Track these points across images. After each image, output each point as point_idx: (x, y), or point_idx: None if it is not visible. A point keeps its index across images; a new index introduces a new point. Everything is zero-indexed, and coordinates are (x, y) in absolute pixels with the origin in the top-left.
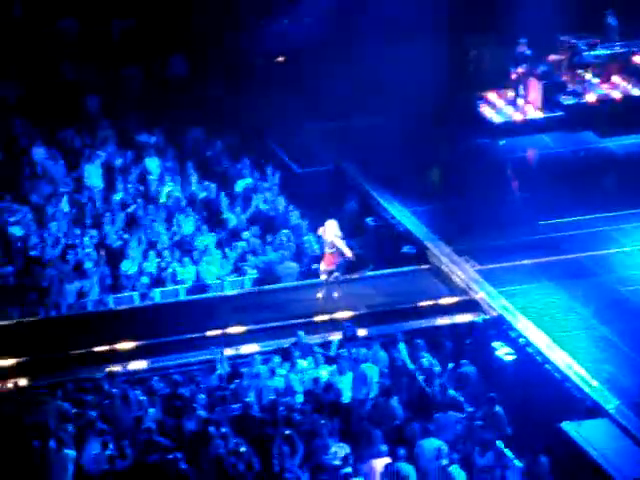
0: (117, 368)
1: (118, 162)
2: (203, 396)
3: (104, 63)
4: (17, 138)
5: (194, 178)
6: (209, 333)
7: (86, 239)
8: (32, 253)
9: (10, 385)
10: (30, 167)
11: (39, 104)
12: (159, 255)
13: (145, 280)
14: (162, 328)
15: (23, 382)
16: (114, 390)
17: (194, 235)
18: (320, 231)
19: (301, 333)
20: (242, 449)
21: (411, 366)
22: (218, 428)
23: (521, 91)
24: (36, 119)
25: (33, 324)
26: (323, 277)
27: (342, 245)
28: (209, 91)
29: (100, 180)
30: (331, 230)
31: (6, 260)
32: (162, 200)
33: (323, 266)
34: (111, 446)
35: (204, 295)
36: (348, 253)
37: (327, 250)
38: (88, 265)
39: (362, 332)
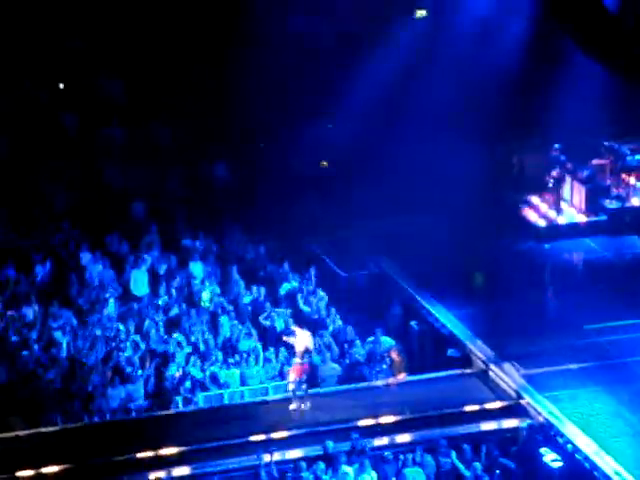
0: (161, 474)
1: (163, 267)
2: None
3: (149, 168)
4: (66, 243)
5: (239, 282)
6: (253, 438)
7: (130, 344)
8: (76, 358)
9: None
10: (77, 272)
11: (86, 210)
12: (203, 359)
13: (188, 384)
14: (206, 433)
15: None
16: None
17: (238, 339)
18: (294, 340)
19: (329, 443)
20: None
21: (466, 472)
22: None
23: (565, 195)
24: (84, 225)
25: (77, 430)
26: (291, 387)
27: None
28: (251, 196)
29: (146, 285)
30: (304, 341)
31: (50, 365)
32: (205, 304)
33: (292, 377)
34: None
35: (248, 400)
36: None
37: (297, 360)
38: (132, 370)
39: (406, 437)
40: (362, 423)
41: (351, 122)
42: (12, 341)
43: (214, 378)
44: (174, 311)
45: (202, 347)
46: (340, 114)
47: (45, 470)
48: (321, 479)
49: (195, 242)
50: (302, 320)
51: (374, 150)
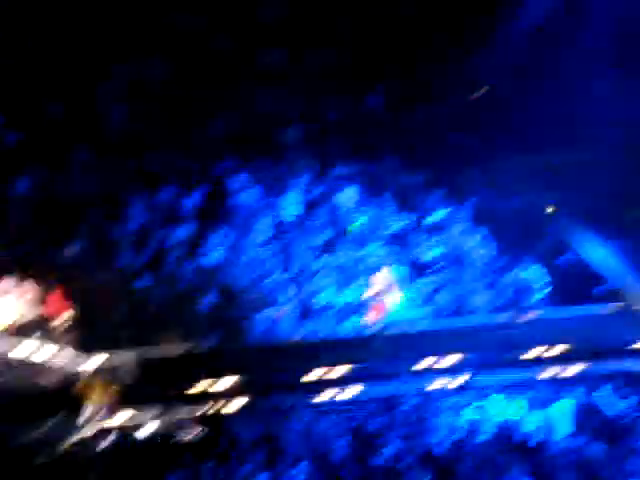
0: (310, 396)
1: (315, 192)
2: (393, 430)
3: (304, 93)
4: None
5: (390, 209)
6: (403, 365)
7: (279, 269)
8: (227, 282)
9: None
10: (231, 196)
11: (242, 135)
12: (353, 286)
13: (337, 309)
14: (357, 358)
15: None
16: (306, 417)
17: (388, 267)
18: (375, 279)
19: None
20: None
21: (612, 409)
22: (405, 462)
23: None
24: (239, 149)
25: (230, 351)
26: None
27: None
28: (406, 123)
29: (297, 210)
30: (385, 280)
31: (203, 289)
32: (356, 230)
33: (372, 316)
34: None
35: (398, 328)
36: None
37: (376, 299)
38: (282, 294)
39: (556, 370)
40: (512, 355)
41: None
42: (167, 262)
43: (362, 305)
44: (324, 236)
45: (350, 273)
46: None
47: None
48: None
49: (348, 168)
50: (454, 249)
51: (535, 84)
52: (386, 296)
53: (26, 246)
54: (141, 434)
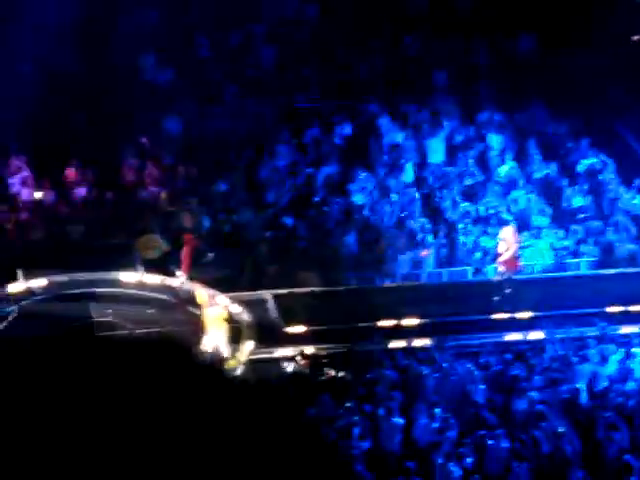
0: (448, 341)
1: (460, 138)
2: (537, 377)
3: (453, 38)
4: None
5: (536, 157)
6: (545, 313)
7: (423, 212)
8: (371, 221)
9: (344, 349)
10: (377, 137)
11: (389, 78)
12: (494, 232)
13: (479, 255)
14: (498, 304)
15: (356, 346)
16: (445, 363)
17: (532, 214)
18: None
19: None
20: (561, 430)
21: None
22: (546, 409)
23: None
24: (386, 92)
25: (367, 291)
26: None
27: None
28: (555, 71)
29: (442, 154)
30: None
31: (344, 228)
32: (501, 177)
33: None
34: (438, 418)
35: (541, 275)
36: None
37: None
38: (425, 237)
39: None
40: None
41: None
42: (312, 202)
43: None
44: (469, 181)
45: (495, 220)
46: None
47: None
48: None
49: (495, 114)
50: (600, 200)
51: None
52: (514, 251)
53: (176, 183)
54: (286, 369)
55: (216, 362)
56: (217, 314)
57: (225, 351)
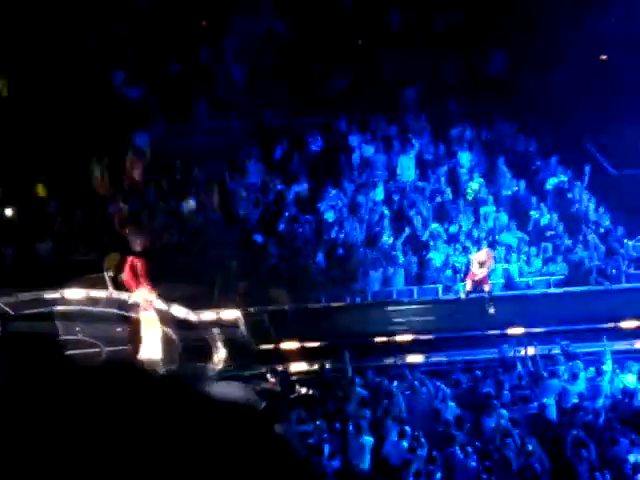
0: (418, 359)
1: (430, 155)
2: (507, 393)
3: (424, 54)
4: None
5: (505, 174)
6: (512, 331)
7: (394, 229)
8: (341, 238)
9: (315, 366)
10: (347, 153)
11: (358, 92)
12: (464, 249)
13: (449, 273)
14: (464, 322)
15: (326, 364)
16: (415, 381)
17: (501, 231)
18: (480, 254)
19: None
20: (530, 447)
21: None
22: (515, 427)
23: None
24: (355, 107)
25: (339, 309)
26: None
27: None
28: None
29: (412, 171)
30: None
31: (315, 245)
32: (470, 195)
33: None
34: (408, 436)
35: (510, 292)
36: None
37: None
38: (395, 254)
39: None
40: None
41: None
42: (283, 218)
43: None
44: (439, 199)
45: (463, 238)
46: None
47: (286, 346)
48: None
49: (464, 131)
50: (568, 217)
51: None
52: (486, 269)
53: (143, 200)
54: (257, 387)
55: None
56: (151, 317)
57: (158, 355)
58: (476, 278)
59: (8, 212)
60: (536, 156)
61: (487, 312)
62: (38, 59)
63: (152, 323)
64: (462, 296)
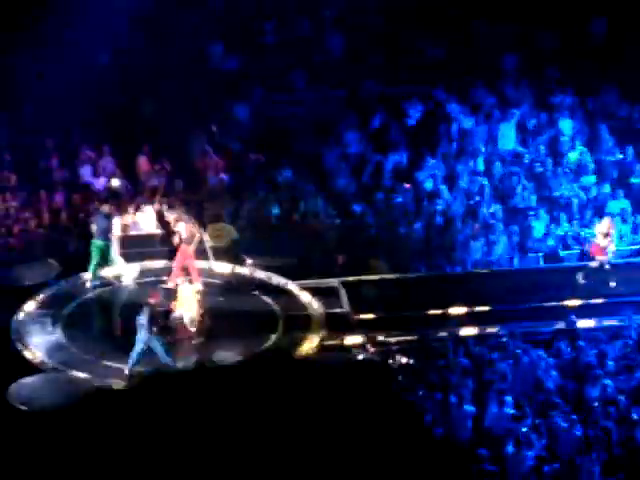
0: (520, 328)
1: (531, 122)
2: (611, 363)
3: (523, 21)
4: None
5: (608, 141)
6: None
7: (494, 199)
8: (440, 209)
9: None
10: (446, 122)
11: (456, 61)
12: (568, 219)
13: (551, 242)
14: (569, 291)
15: (427, 334)
16: (517, 350)
17: (605, 199)
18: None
19: None
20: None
21: None
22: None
23: None
24: (454, 76)
25: (438, 278)
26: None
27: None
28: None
29: (513, 140)
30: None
31: (416, 215)
32: (572, 163)
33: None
34: (510, 405)
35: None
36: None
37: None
38: (495, 223)
39: None
40: None
41: None
42: (381, 189)
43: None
44: (540, 167)
45: (565, 207)
46: None
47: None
48: None
49: (566, 98)
50: None
51: None
52: (606, 239)
53: (242, 170)
54: (356, 357)
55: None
56: (191, 291)
57: (190, 326)
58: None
59: (115, 182)
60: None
61: (608, 284)
62: (137, 33)
63: (189, 298)
64: (594, 265)
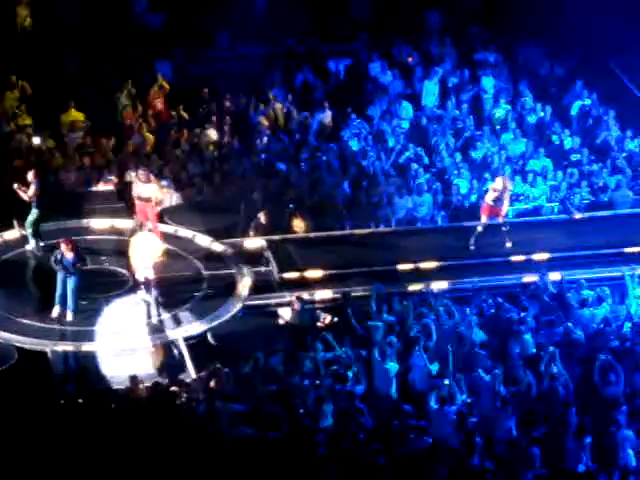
0: (442, 284)
1: (454, 80)
2: (530, 319)
3: None
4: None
5: (528, 99)
6: (536, 256)
7: (417, 155)
8: (367, 167)
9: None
10: (369, 82)
11: (381, 19)
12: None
13: (474, 199)
14: (492, 247)
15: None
16: (440, 307)
17: (525, 157)
18: (498, 182)
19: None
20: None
21: None
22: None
23: None
24: (377, 34)
25: (363, 236)
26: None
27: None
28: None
29: (435, 98)
30: (506, 184)
31: (341, 172)
32: (495, 120)
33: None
34: (434, 362)
35: (534, 218)
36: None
37: (489, 202)
38: (421, 181)
39: None
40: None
41: None
42: (304, 145)
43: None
44: (462, 124)
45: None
46: None
47: (311, 274)
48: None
49: (488, 55)
50: (592, 141)
51: None
52: (504, 198)
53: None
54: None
55: None
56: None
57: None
58: (490, 206)
59: (36, 140)
60: (561, 80)
61: (504, 245)
62: None
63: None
64: (479, 229)
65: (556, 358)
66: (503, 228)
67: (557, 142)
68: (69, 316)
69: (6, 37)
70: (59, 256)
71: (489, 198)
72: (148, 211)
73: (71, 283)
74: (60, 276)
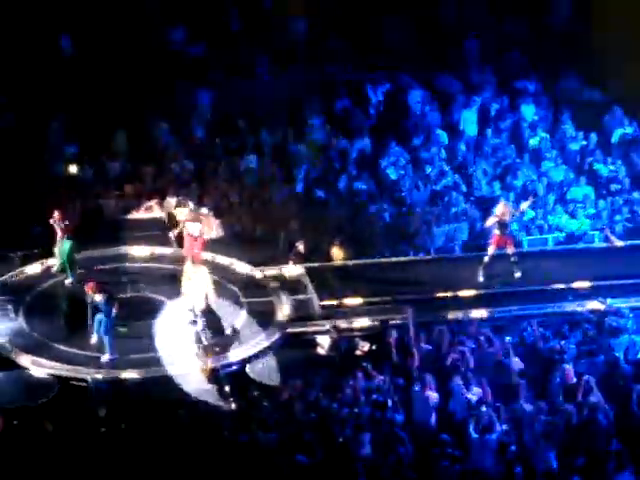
0: (482, 314)
1: (494, 108)
2: (573, 346)
3: (484, 6)
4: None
5: (569, 128)
6: (577, 285)
7: (455, 183)
8: (404, 195)
9: (377, 322)
10: (408, 111)
11: (419, 46)
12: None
13: (515, 227)
14: (528, 277)
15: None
16: (479, 336)
17: (568, 185)
18: (498, 210)
19: None
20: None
21: None
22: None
23: None
24: (414, 62)
25: (401, 264)
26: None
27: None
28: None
29: (475, 126)
30: (506, 210)
31: (379, 201)
32: (533, 148)
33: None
34: (474, 391)
35: (575, 246)
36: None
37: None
38: (458, 209)
39: None
40: None
41: None
42: (344, 173)
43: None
44: (501, 153)
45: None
46: None
47: (350, 302)
48: None
49: (529, 84)
50: (634, 169)
51: None
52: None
53: (204, 159)
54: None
55: None
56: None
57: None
58: (499, 235)
59: (73, 169)
60: (602, 107)
61: (513, 276)
62: (100, 18)
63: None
64: (485, 260)
65: (595, 388)
66: (512, 259)
67: (598, 170)
68: (104, 357)
69: (50, 66)
70: (89, 300)
71: (490, 223)
72: (195, 245)
73: (105, 322)
74: (97, 317)
